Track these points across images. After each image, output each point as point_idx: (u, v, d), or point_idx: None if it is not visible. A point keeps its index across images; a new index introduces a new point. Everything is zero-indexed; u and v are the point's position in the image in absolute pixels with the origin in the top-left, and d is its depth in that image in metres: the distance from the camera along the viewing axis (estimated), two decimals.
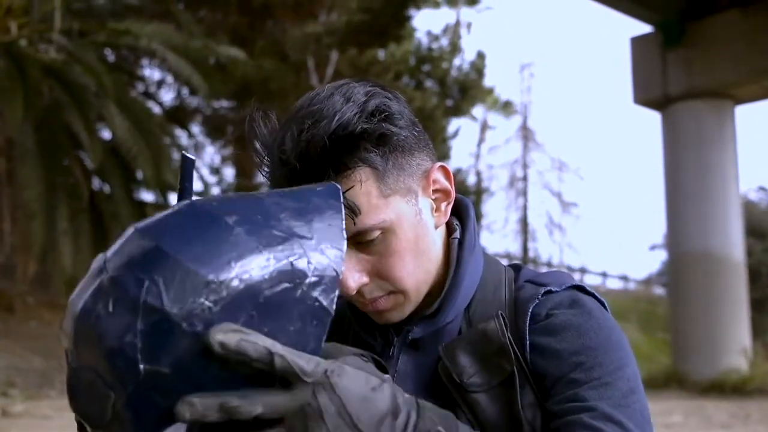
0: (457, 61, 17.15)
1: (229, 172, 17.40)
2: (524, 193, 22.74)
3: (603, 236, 43.86)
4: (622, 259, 47.14)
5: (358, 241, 0.84)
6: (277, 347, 0.60)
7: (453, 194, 0.94)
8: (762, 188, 23.70)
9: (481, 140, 22.54)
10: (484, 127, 22.39)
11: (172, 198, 12.90)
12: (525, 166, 22.75)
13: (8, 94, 9.43)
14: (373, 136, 0.84)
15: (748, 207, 18.94)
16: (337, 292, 0.65)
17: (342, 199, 0.72)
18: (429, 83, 16.53)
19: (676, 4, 13.08)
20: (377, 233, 0.85)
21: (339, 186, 0.75)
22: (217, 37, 13.47)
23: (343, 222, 0.69)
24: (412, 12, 15.45)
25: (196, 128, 16.56)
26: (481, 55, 17.30)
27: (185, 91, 15.41)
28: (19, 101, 9.30)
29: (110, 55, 13.54)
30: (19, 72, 9.76)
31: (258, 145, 0.89)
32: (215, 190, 17.42)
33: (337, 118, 0.82)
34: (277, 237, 0.64)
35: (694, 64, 12.85)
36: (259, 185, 16.97)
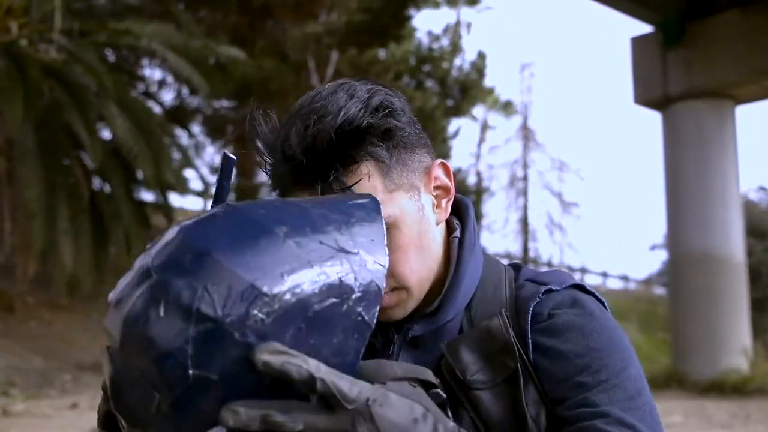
0: (457, 61, 17.16)
1: None
2: (524, 193, 22.75)
3: (603, 236, 43.87)
4: (623, 259, 47.18)
5: None
6: (321, 371, 0.60)
7: (453, 191, 0.94)
8: (762, 188, 23.70)
9: (481, 140, 22.55)
10: (485, 127, 22.40)
11: (172, 197, 12.92)
12: (525, 166, 22.75)
13: (8, 94, 9.43)
14: (379, 130, 0.85)
15: (749, 207, 18.93)
16: (378, 307, 0.66)
17: (383, 213, 0.74)
18: (429, 83, 16.54)
19: (676, 4, 13.07)
20: None
21: (380, 201, 0.76)
22: (217, 37, 13.47)
23: (385, 237, 0.70)
24: (412, 12, 15.45)
25: (196, 128, 16.57)
26: (481, 55, 17.30)
27: (185, 91, 15.42)
28: (20, 101, 9.31)
29: (110, 55, 13.54)
30: (20, 72, 9.77)
31: (260, 144, 0.89)
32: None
33: (342, 113, 0.83)
34: (326, 251, 0.65)
35: (695, 64, 12.85)
36: (259, 185, 16.97)
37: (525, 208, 22.67)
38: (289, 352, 0.60)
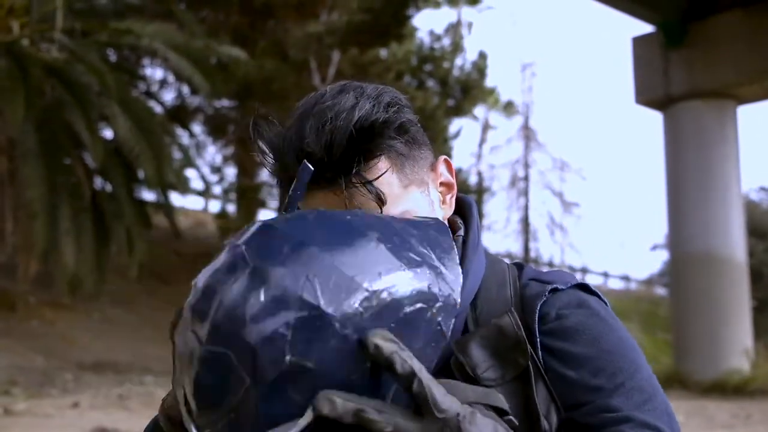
0: (458, 61, 17.15)
1: (230, 172, 17.42)
2: (526, 193, 22.74)
3: (604, 236, 43.86)
4: (624, 260, 47.14)
5: None
6: (423, 373, 0.61)
7: (455, 187, 0.95)
8: (764, 188, 23.68)
9: (482, 140, 22.53)
10: (486, 127, 22.38)
11: (173, 197, 12.92)
12: (526, 166, 22.74)
13: (10, 93, 9.43)
14: (394, 125, 0.86)
15: (750, 207, 18.92)
16: (453, 320, 0.68)
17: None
18: (430, 83, 16.53)
19: (677, 4, 13.06)
20: None
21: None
22: (219, 36, 13.48)
23: (457, 257, 0.73)
24: (413, 12, 15.45)
25: (197, 128, 16.58)
26: (482, 55, 17.28)
27: (186, 90, 15.42)
28: (21, 101, 9.31)
29: (112, 55, 13.55)
30: (21, 71, 9.77)
31: (265, 146, 0.89)
32: (217, 190, 17.43)
33: (357, 109, 0.83)
34: (415, 260, 0.67)
35: (696, 64, 12.84)
36: (261, 185, 16.98)
37: (526, 208, 22.67)
38: (399, 344, 0.61)
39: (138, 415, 7.41)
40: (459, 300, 0.69)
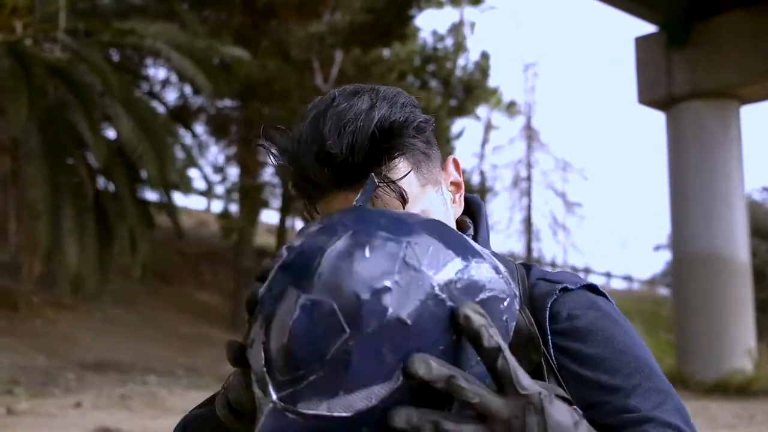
0: (461, 61, 17.14)
1: (233, 172, 17.43)
2: (528, 193, 22.73)
3: (607, 236, 43.85)
4: (626, 260, 47.12)
5: None
6: (507, 351, 0.62)
7: (463, 187, 0.96)
8: (767, 189, 23.65)
9: (485, 140, 22.52)
10: (488, 127, 22.36)
11: (176, 197, 12.93)
12: (529, 166, 22.73)
13: (13, 93, 9.45)
14: (413, 125, 0.86)
15: (753, 207, 18.88)
16: (515, 324, 0.70)
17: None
18: (433, 83, 16.53)
19: (680, 4, 13.05)
20: None
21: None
22: (222, 37, 13.49)
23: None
24: (415, 12, 15.45)
25: (200, 128, 16.59)
26: (485, 55, 17.28)
27: (189, 90, 15.43)
28: (24, 101, 9.32)
29: (115, 55, 13.57)
30: (24, 71, 9.78)
31: (277, 150, 0.88)
32: (219, 190, 17.44)
33: (376, 109, 0.83)
34: (485, 256, 0.69)
35: (699, 64, 12.82)
36: (263, 185, 16.98)
37: (528, 208, 22.65)
38: (488, 319, 0.62)
39: (140, 414, 7.42)
40: (518, 308, 0.70)
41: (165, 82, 15.75)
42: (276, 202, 17.52)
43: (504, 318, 0.67)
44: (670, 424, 0.81)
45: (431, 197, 0.88)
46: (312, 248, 0.64)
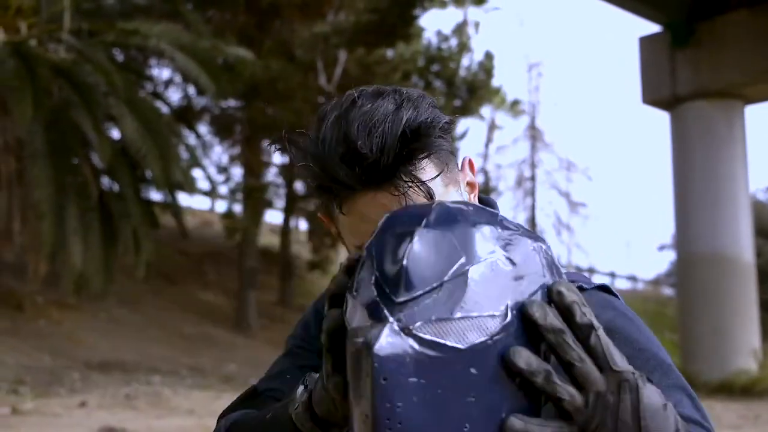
0: (465, 61, 17.13)
1: (237, 172, 17.45)
2: (532, 193, 22.72)
3: (611, 236, 43.78)
4: (631, 260, 47.04)
5: None
6: (600, 330, 0.61)
7: (477, 187, 0.97)
8: None
9: (489, 140, 22.52)
10: (492, 126, 22.36)
11: (180, 197, 12.94)
12: (533, 166, 22.72)
13: (18, 93, 9.47)
14: (439, 125, 0.86)
15: (758, 207, 18.85)
16: None
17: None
18: (437, 83, 16.52)
19: (684, 4, 13.02)
20: None
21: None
22: (225, 37, 13.50)
23: None
24: (420, 12, 15.44)
25: (203, 128, 16.61)
26: (489, 55, 17.27)
27: (193, 90, 15.45)
28: (29, 101, 9.35)
29: (119, 55, 13.59)
30: (29, 72, 9.81)
31: (299, 153, 0.87)
32: (223, 190, 17.46)
33: (404, 110, 0.84)
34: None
35: (703, 63, 12.80)
36: (267, 185, 16.99)
37: (533, 208, 22.64)
38: (581, 296, 0.62)
39: (145, 414, 7.43)
40: None
41: (169, 82, 15.78)
42: (280, 203, 17.54)
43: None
44: (694, 420, 0.82)
45: (453, 197, 0.89)
46: (417, 213, 0.65)
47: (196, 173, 17.56)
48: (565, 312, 0.61)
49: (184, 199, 16.92)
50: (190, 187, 12.58)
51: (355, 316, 0.63)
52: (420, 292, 0.60)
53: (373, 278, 0.62)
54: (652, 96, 13.51)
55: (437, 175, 0.86)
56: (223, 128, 16.75)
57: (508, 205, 23.34)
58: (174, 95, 16.04)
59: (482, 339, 0.59)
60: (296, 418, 0.77)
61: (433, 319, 0.59)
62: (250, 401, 1.00)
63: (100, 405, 7.74)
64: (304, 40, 14.40)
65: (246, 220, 16.03)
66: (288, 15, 15.04)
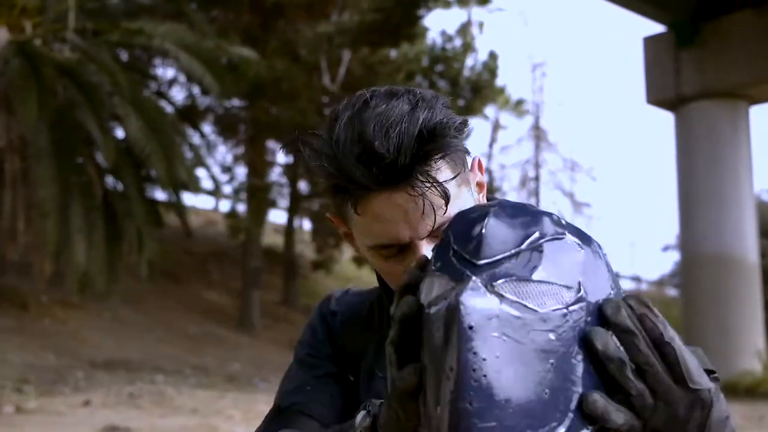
0: (469, 61, 17.13)
1: (240, 171, 17.47)
2: (536, 193, 22.70)
3: (615, 237, 43.73)
4: (635, 260, 47.01)
5: (436, 235, 0.85)
6: (676, 340, 0.62)
7: (485, 187, 0.98)
8: None
9: (492, 140, 22.52)
10: (496, 126, 22.36)
11: (185, 196, 12.96)
12: (537, 166, 22.71)
13: (22, 93, 9.49)
14: (454, 125, 0.86)
15: (762, 208, 18.80)
16: None
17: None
18: (441, 83, 16.52)
19: (689, 4, 12.99)
20: None
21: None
22: (230, 37, 13.52)
23: None
24: (424, 12, 15.44)
25: (207, 127, 16.62)
26: (493, 55, 17.26)
27: (197, 90, 15.46)
28: (34, 100, 9.37)
29: (123, 55, 13.61)
30: (34, 71, 9.83)
31: (314, 154, 0.87)
32: (227, 189, 17.48)
33: (419, 110, 0.83)
34: None
35: (708, 64, 12.76)
36: (271, 184, 17.01)
37: None
38: (653, 309, 0.63)
39: (149, 413, 7.44)
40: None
41: (173, 82, 15.80)
42: (283, 202, 17.56)
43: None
44: None
45: (465, 197, 0.89)
46: (480, 207, 0.69)
47: (200, 173, 17.61)
48: (641, 325, 0.62)
49: (188, 198, 16.91)
50: (194, 187, 12.60)
51: (434, 289, 0.64)
52: (500, 256, 0.62)
53: (452, 251, 0.64)
54: (657, 96, 13.48)
55: (455, 176, 0.85)
56: (227, 128, 16.77)
57: None
58: (178, 95, 16.07)
59: (559, 307, 0.61)
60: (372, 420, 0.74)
61: (514, 279, 0.60)
62: (278, 419, 0.99)
63: (104, 404, 7.75)
64: (308, 40, 14.41)
65: (250, 220, 16.05)
66: (292, 15, 15.05)
